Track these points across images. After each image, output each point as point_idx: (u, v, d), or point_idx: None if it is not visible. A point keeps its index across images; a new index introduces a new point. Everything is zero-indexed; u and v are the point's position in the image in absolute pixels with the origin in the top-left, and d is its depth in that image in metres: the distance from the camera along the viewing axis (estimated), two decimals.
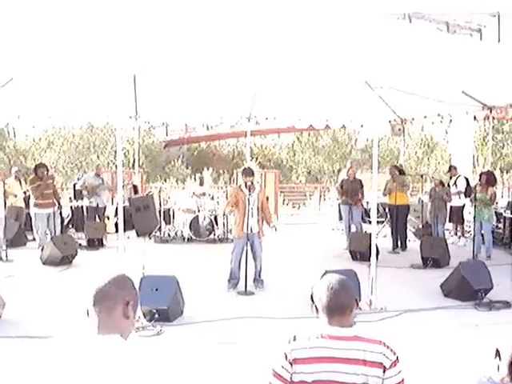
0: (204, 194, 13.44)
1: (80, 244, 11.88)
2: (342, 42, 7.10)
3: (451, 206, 12.38)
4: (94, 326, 2.12)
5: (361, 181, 12.21)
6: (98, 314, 2.11)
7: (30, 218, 12.10)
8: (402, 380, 2.48)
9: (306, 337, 2.54)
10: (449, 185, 12.69)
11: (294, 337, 2.55)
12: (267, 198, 10.49)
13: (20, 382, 4.66)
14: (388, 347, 2.48)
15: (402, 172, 12.40)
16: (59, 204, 11.76)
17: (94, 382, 1.93)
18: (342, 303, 2.53)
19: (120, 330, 2.09)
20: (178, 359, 1.97)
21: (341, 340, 2.48)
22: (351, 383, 2.44)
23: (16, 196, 12.06)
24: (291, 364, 2.50)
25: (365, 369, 2.43)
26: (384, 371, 2.44)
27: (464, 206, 12.74)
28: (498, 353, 2.52)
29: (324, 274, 6.17)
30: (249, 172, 8.78)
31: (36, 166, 11.96)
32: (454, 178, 13.00)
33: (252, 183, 8.63)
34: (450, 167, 13.66)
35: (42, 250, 10.74)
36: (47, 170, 11.76)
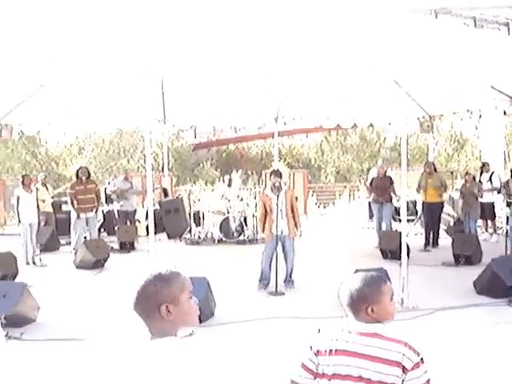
0: (238, 197, 13.48)
1: (112, 247, 12.03)
2: (368, 39, 7.08)
3: (481, 203, 12.22)
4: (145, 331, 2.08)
5: (391, 177, 12.15)
6: (143, 323, 2.09)
7: (61, 223, 12.31)
8: (427, 381, 2.42)
9: (330, 329, 2.56)
10: (480, 181, 12.54)
11: (319, 330, 2.59)
12: (296, 198, 10.48)
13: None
14: (410, 348, 2.42)
15: (435, 169, 12.31)
16: (96, 209, 11.94)
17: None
18: (355, 300, 2.51)
19: (167, 332, 2.06)
20: (211, 360, 1.94)
21: (361, 335, 2.48)
22: (366, 378, 2.43)
23: (44, 201, 12.26)
24: (316, 355, 2.53)
25: (380, 366, 2.41)
26: (404, 372, 2.39)
27: (494, 202, 12.59)
28: None
29: (355, 272, 6.16)
30: (277, 173, 8.84)
31: (77, 170, 12.16)
32: (487, 174, 12.80)
33: (280, 184, 8.65)
34: (484, 164, 13.45)
35: (76, 253, 10.90)
36: (89, 175, 11.95)
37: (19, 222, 10.75)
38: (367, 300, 2.50)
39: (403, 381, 2.40)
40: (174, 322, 2.07)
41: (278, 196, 8.54)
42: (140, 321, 2.10)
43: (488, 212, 12.63)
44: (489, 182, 12.60)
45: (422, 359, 2.41)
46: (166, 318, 2.05)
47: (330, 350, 2.50)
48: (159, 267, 2.17)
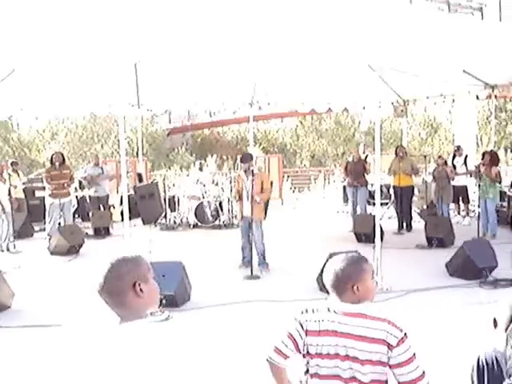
0: (213, 182, 13.46)
1: (87, 233, 11.97)
2: (343, 24, 7.09)
3: (455, 186, 12.38)
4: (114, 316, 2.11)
5: (365, 159, 12.34)
6: (112, 307, 2.11)
7: (34, 209, 12.16)
8: (414, 355, 2.49)
9: (316, 309, 2.63)
10: (454, 165, 12.69)
11: (306, 309, 2.65)
12: (271, 183, 10.52)
13: (33, 370, 4.73)
14: (393, 325, 2.49)
15: (405, 154, 12.42)
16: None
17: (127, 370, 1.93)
18: (341, 279, 2.58)
19: (139, 313, 2.09)
20: (188, 343, 1.97)
21: (345, 315, 2.55)
22: (353, 357, 2.51)
23: (16, 187, 12.11)
24: (306, 334, 2.60)
25: (366, 345, 2.48)
26: (390, 349, 2.46)
27: (467, 185, 12.76)
28: (495, 322, 2.59)
29: (329, 256, 6.21)
30: (244, 158, 8.88)
31: (52, 155, 12.02)
32: (461, 158, 12.93)
33: (249, 168, 8.66)
34: (459, 147, 13.55)
35: (50, 239, 10.81)
36: (63, 160, 11.83)
37: (3, 210, 10.67)
38: (352, 278, 2.58)
39: (389, 358, 2.46)
40: (145, 300, 2.11)
41: (248, 180, 8.63)
42: (107, 305, 2.12)
43: (462, 195, 12.81)
44: (463, 166, 12.75)
45: (405, 334, 2.50)
46: (139, 295, 2.09)
47: (316, 331, 2.57)
48: (134, 252, 2.20)
